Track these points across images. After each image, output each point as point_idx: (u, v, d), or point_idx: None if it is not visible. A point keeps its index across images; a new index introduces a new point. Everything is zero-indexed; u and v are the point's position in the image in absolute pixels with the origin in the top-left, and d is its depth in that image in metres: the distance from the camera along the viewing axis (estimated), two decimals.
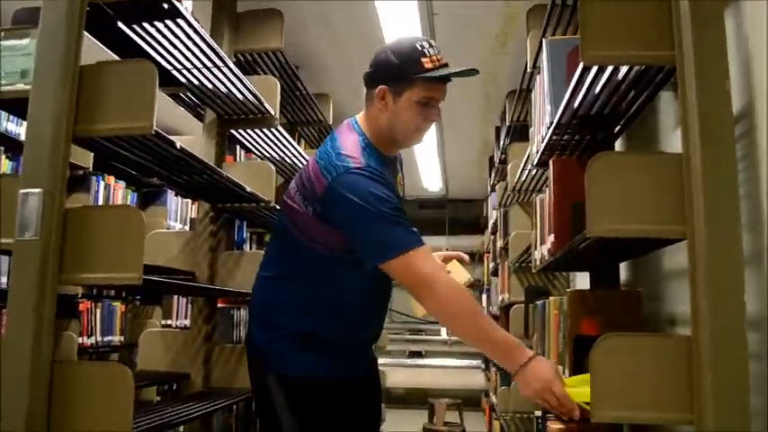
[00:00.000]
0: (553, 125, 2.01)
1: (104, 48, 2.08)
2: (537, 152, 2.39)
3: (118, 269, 1.47)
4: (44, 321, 1.44)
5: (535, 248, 2.41)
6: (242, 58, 2.95)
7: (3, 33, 1.76)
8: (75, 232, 1.50)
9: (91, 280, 1.52)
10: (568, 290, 1.89)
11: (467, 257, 1.83)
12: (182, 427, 2.29)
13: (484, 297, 6.14)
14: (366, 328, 1.76)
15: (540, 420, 2.29)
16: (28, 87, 1.59)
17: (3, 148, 3.36)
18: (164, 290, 3.22)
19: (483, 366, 6.83)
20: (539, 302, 2.23)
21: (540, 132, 2.31)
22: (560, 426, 1.99)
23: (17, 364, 1.42)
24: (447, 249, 1.95)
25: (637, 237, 1.44)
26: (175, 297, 3.98)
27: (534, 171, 3.07)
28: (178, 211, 4.68)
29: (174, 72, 2.26)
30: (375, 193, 1.52)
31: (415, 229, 1.55)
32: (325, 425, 1.61)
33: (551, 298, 2.01)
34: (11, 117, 3.46)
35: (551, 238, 1.97)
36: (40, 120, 1.54)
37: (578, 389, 1.42)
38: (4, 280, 3.32)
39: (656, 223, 1.38)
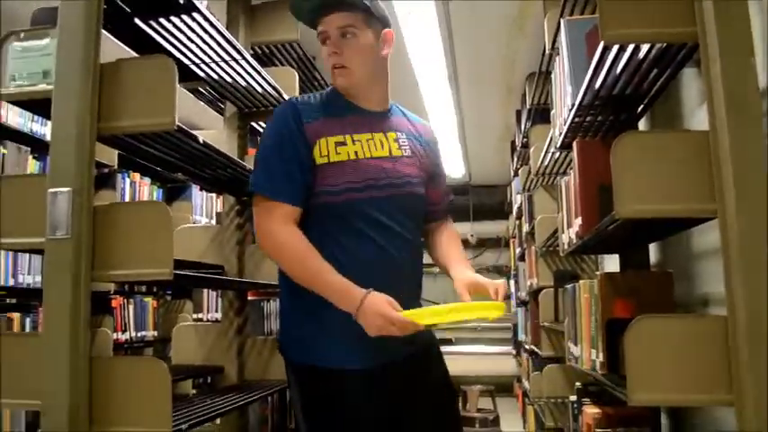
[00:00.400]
0: (575, 107, 1.99)
1: (120, 44, 2.08)
2: (560, 134, 2.37)
3: (149, 265, 1.49)
4: (80, 318, 1.46)
5: (562, 232, 2.39)
6: (259, 51, 2.95)
7: (23, 34, 1.77)
8: (104, 229, 1.52)
9: (123, 276, 1.53)
10: (598, 273, 1.87)
11: (502, 291, 1.57)
12: (218, 420, 2.31)
13: (512, 283, 6.12)
14: None
15: (575, 405, 2.27)
16: (50, 87, 1.60)
17: (29, 149, 3.41)
18: (194, 284, 3.24)
19: (514, 352, 6.82)
20: (568, 286, 2.21)
21: (562, 114, 2.28)
22: (597, 410, 1.98)
23: (56, 362, 1.44)
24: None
25: (666, 217, 1.43)
26: (205, 291, 4.03)
27: (557, 154, 3.04)
28: (203, 206, 4.72)
29: (193, 67, 2.27)
30: (273, 127, 1.61)
31: (294, 184, 1.54)
32: (319, 417, 1.56)
33: (581, 281, 1.99)
34: (35, 118, 3.51)
35: (578, 221, 1.95)
36: (65, 119, 1.55)
37: (413, 313, 1.45)
38: (38, 279, 3.39)
39: (686, 202, 1.36)
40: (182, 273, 1.63)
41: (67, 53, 1.57)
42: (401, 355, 1.58)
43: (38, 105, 1.69)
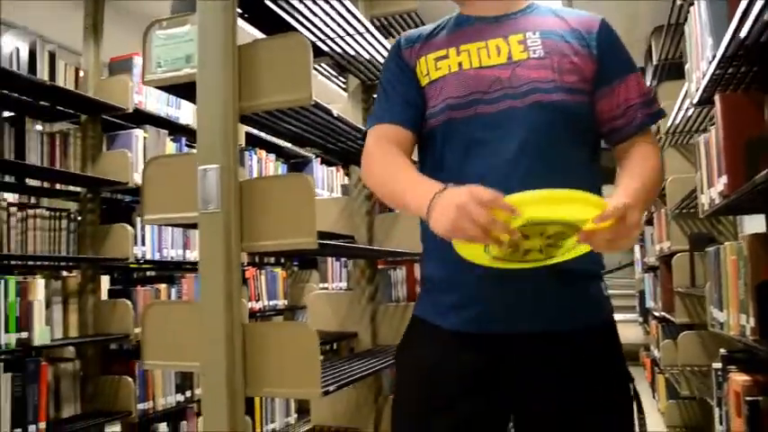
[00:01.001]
0: (716, 59, 1.88)
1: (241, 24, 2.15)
2: (696, 89, 2.25)
3: (294, 235, 1.55)
4: (233, 286, 1.56)
5: (701, 192, 2.27)
6: (377, 23, 2.97)
7: (165, 23, 1.88)
8: (250, 203, 1.60)
9: (270, 246, 1.60)
10: (745, 234, 1.77)
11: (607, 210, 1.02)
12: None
13: (637, 248, 5.89)
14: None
15: (719, 373, 2.15)
16: (194, 71, 1.69)
17: (167, 132, 3.63)
18: (340, 253, 3.32)
19: (641, 320, 6.59)
20: (710, 249, 2.10)
21: (700, 68, 2.16)
22: (746, 377, 1.88)
23: (213, 327, 1.55)
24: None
25: None
26: (330, 261, 4.16)
27: (692, 111, 2.89)
28: (324, 179, 4.86)
29: (319, 42, 2.32)
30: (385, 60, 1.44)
31: (390, 103, 1.35)
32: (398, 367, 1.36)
33: (727, 243, 1.89)
34: (170, 102, 3.74)
35: (723, 180, 1.85)
36: (209, 100, 1.64)
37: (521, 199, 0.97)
38: (180, 252, 3.65)
39: None
40: (326, 242, 1.68)
41: (208, 38, 1.66)
42: (534, 327, 1.20)
43: (182, 89, 1.79)
